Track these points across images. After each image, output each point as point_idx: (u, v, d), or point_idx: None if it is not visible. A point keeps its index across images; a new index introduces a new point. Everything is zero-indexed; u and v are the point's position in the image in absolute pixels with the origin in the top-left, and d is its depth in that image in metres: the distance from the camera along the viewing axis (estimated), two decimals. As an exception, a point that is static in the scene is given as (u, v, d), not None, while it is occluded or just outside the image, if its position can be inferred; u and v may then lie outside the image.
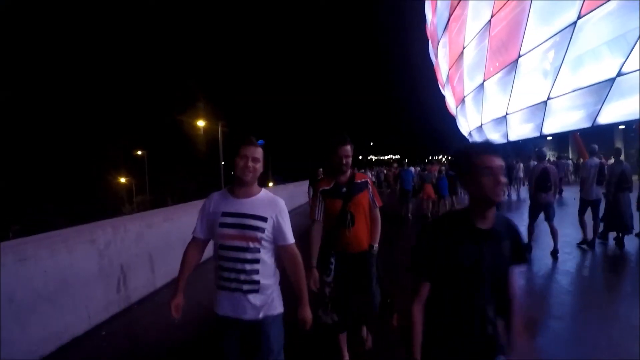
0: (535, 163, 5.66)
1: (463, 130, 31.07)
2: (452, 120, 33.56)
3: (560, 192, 14.06)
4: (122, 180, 39.01)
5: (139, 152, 37.02)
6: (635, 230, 5.93)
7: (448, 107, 33.67)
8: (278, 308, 1.73)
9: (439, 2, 27.50)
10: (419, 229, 1.37)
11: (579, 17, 14.47)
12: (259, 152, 1.68)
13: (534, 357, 2.53)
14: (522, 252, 1.37)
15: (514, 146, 22.63)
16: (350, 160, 2.40)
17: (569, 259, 5.20)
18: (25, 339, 2.69)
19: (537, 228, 5.75)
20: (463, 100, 27.16)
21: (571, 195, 10.67)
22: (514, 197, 13.45)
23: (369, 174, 20.61)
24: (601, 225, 5.87)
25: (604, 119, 15.15)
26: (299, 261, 1.73)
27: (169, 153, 43.84)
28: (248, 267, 1.63)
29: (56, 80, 47.90)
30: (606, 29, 14.08)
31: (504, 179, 1.22)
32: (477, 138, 26.33)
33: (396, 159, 72.25)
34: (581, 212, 5.86)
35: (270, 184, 22.40)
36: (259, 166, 1.69)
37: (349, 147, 2.39)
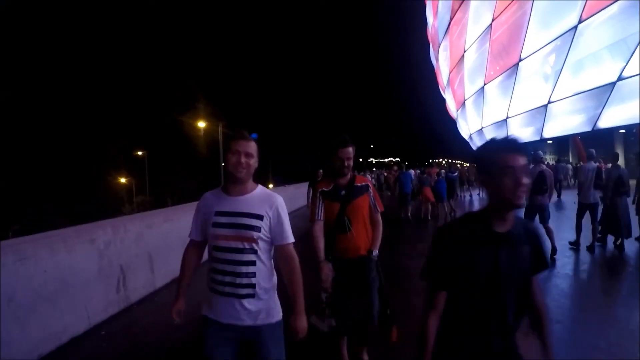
0: (532, 166, 5.68)
1: (463, 133, 31.07)
2: (452, 123, 33.56)
3: (559, 195, 14.09)
4: (122, 180, 38.99)
5: (139, 152, 37.07)
6: (635, 234, 5.94)
7: (448, 110, 33.68)
8: (277, 315, 1.60)
9: (440, 5, 27.58)
10: (434, 233, 1.25)
11: (579, 22, 14.50)
12: (252, 147, 1.54)
13: None
14: (544, 258, 1.26)
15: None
16: (351, 162, 2.31)
17: (569, 263, 5.21)
18: (24, 339, 2.68)
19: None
20: (464, 104, 27.17)
21: (571, 199, 10.68)
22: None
23: (369, 176, 20.60)
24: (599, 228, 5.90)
25: (605, 123, 15.15)
26: (295, 264, 1.60)
27: (169, 153, 43.83)
28: (244, 269, 1.51)
29: (56, 80, 48.07)
30: (607, 33, 14.10)
31: (526, 180, 1.09)
32: (477, 141, 26.33)
33: (396, 162, 72.22)
34: (579, 216, 5.92)
35: (271, 185, 22.39)
36: (253, 162, 1.55)
37: (350, 149, 2.30)
